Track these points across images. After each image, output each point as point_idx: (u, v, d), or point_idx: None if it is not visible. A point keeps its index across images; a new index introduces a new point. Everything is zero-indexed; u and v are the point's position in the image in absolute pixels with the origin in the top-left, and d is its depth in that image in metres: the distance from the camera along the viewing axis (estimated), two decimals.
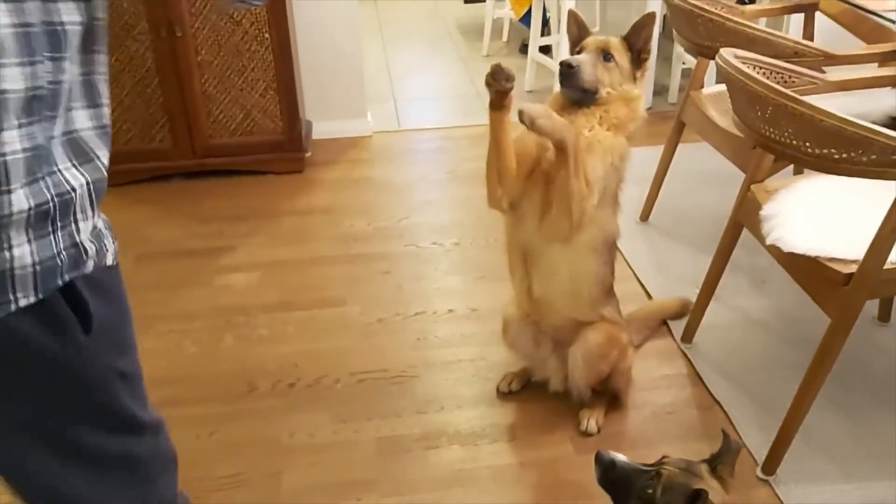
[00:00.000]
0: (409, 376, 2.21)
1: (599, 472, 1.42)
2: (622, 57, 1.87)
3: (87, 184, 0.90)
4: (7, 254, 0.83)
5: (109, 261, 0.98)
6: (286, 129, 3.28)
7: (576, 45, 1.93)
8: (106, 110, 0.93)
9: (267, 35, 3.11)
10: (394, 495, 1.84)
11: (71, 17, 0.82)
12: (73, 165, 0.88)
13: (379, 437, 2.00)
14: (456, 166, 3.48)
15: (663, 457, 1.42)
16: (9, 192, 0.80)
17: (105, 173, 0.93)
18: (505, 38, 5.05)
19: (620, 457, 1.42)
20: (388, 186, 3.32)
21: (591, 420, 2.01)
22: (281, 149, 3.31)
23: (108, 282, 0.98)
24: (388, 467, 1.92)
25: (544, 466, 1.91)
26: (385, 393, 2.16)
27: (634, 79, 1.90)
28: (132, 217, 3.04)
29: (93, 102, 0.90)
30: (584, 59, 1.83)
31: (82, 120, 0.89)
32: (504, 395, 2.13)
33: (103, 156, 0.92)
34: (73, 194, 0.88)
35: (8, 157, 0.79)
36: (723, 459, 1.40)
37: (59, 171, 0.86)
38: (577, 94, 1.84)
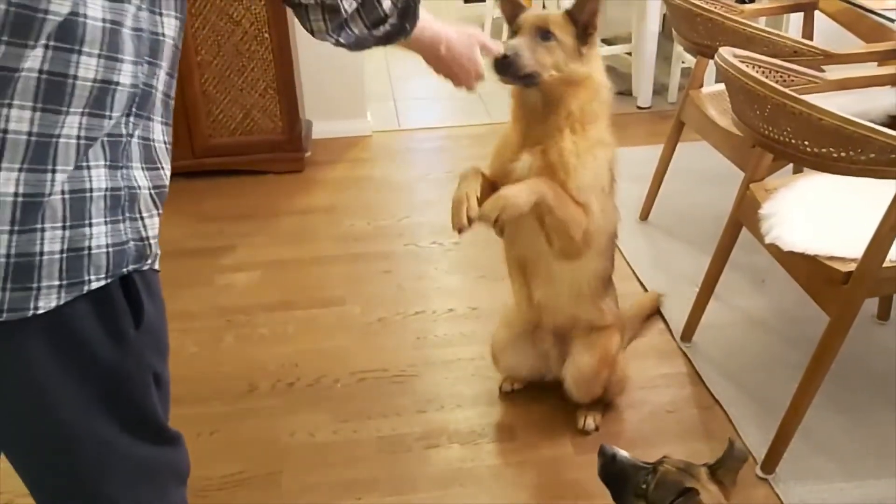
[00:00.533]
0: (410, 375, 2.22)
1: (600, 464, 1.45)
2: (564, 33, 1.71)
3: (151, 188, 0.94)
4: (87, 230, 0.86)
5: (157, 265, 1.01)
6: (286, 128, 3.28)
7: (511, 24, 1.77)
8: (170, 131, 1.00)
9: (267, 35, 3.11)
10: (394, 494, 1.85)
11: (170, 31, 0.91)
12: (143, 168, 0.93)
13: (379, 436, 2.01)
14: (456, 166, 3.47)
15: (664, 456, 1.43)
16: (90, 167, 0.85)
17: (167, 183, 0.98)
18: (505, 37, 5.04)
19: (622, 452, 1.44)
20: (389, 186, 3.32)
21: (589, 419, 2.01)
22: (281, 148, 3.31)
23: (154, 284, 1.00)
24: (388, 466, 1.93)
25: (544, 466, 1.92)
26: (385, 392, 2.16)
27: (581, 55, 1.74)
28: None
29: (166, 120, 0.97)
30: (520, 44, 1.68)
31: (158, 132, 0.95)
32: (506, 394, 2.14)
33: (167, 168, 0.98)
34: (139, 191, 0.92)
35: (105, 140, 0.86)
36: (726, 465, 1.40)
37: (133, 167, 0.91)
38: (518, 82, 1.72)
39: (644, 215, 2.92)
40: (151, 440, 1.05)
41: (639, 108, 3.95)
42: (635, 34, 3.99)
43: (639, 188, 2.97)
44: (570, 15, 1.72)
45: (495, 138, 1.92)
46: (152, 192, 0.95)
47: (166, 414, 1.09)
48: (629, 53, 4.13)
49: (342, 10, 1.07)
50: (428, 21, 1.31)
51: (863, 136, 1.50)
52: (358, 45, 1.16)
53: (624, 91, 4.14)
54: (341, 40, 1.13)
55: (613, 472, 1.43)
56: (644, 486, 1.37)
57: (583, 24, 1.73)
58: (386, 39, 1.18)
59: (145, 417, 1.03)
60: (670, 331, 2.35)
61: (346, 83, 3.60)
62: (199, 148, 3.24)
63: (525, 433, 2.01)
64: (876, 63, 2.39)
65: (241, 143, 3.28)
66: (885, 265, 1.63)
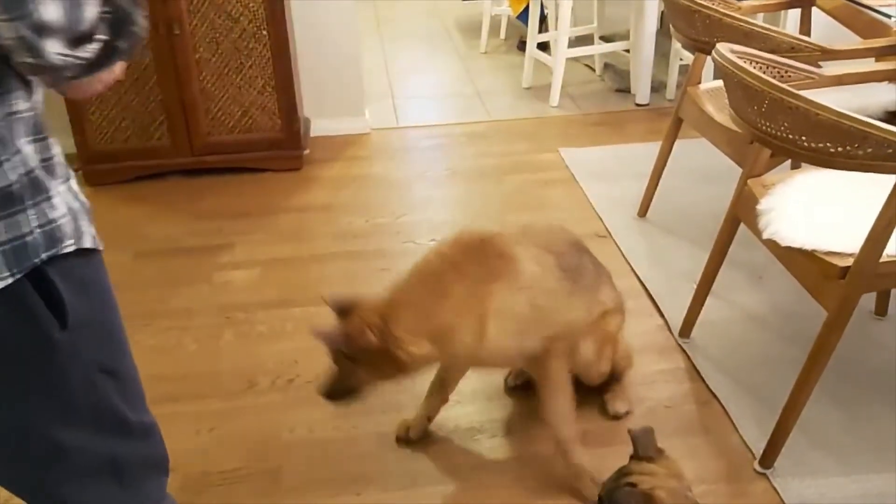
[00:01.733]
0: None
1: None
2: None
3: (41, 163, 0.89)
4: None
5: (88, 242, 0.95)
6: (284, 126, 3.28)
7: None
8: (39, 90, 0.92)
9: (265, 32, 3.11)
10: (393, 490, 1.85)
11: None
12: (32, 142, 0.88)
13: (379, 431, 2.01)
14: (454, 163, 3.49)
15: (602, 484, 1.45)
16: None
17: (56, 151, 0.93)
18: (503, 35, 5.05)
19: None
20: (387, 184, 3.32)
21: (618, 403, 2.04)
22: (279, 146, 3.31)
23: (88, 273, 0.95)
24: (388, 462, 1.93)
25: (543, 461, 1.92)
26: (384, 388, 2.15)
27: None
28: (131, 214, 3.05)
29: (28, 86, 0.88)
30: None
31: (21, 101, 0.87)
32: (510, 389, 2.14)
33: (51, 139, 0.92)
34: (33, 174, 0.87)
35: None
36: (644, 448, 1.43)
37: (19, 149, 0.86)
38: None
39: (642, 212, 2.93)
40: (112, 435, 1.01)
41: (637, 105, 3.96)
42: (633, 31, 3.99)
43: (637, 185, 2.98)
44: None
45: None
46: (44, 167, 0.89)
47: (134, 403, 1.05)
48: (627, 51, 4.13)
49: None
50: None
51: (860, 130, 1.51)
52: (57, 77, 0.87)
53: (622, 88, 4.15)
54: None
55: None
56: None
57: None
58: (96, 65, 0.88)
59: (98, 414, 0.99)
60: (668, 327, 2.35)
61: (344, 81, 3.60)
62: (197, 146, 3.24)
63: (523, 428, 2.02)
64: (873, 59, 2.39)
65: (240, 141, 3.28)
66: (882, 260, 1.63)
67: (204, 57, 3.12)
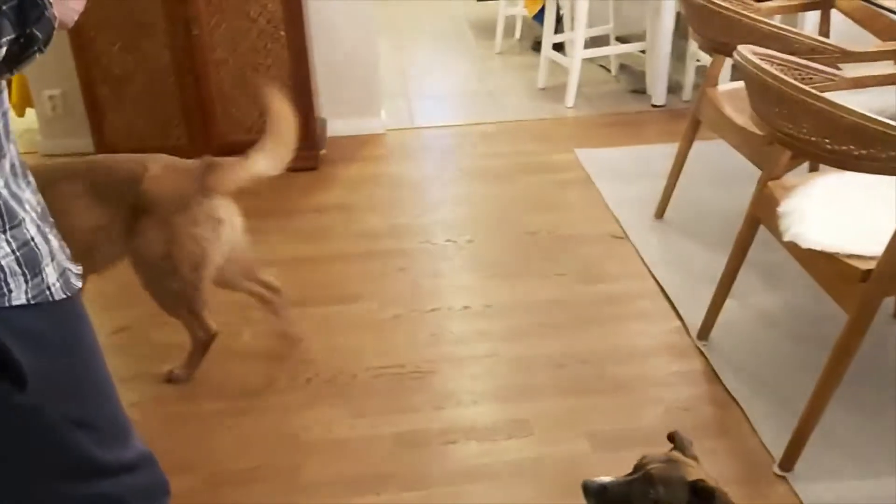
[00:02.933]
0: (426, 371, 2.23)
1: (594, 501, 1.38)
2: None
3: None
4: None
5: (56, 293, 0.86)
6: (301, 126, 3.27)
7: None
8: None
9: (282, 33, 3.13)
10: (411, 490, 1.86)
11: None
12: None
13: (396, 431, 2.02)
14: (469, 163, 3.49)
15: (642, 458, 1.41)
16: None
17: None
18: (517, 35, 5.05)
19: (605, 479, 1.39)
20: (403, 183, 3.33)
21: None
22: (296, 146, 3.31)
23: (52, 325, 0.87)
24: (405, 462, 1.93)
25: (560, 462, 1.92)
26: (402, 388, 2.17)
27: None
28: None
29: None
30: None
31: None
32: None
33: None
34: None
35: None
36: (682, 446, 1.42)
37: None
38: None
39: (659, 213, 2.92)
40: (96, 478, 0.98)
41: (653, 106, 3.95)
42: (650, 32, 3.98)
43: (653, 186, 2.97)
44: None
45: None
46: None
47: (113, 447, 1.00)
48: (643, 52, 4.12)
49: None
50: None
51: (885, 134, 1.50)
52: None
53: (638, 89, 4.14)
54: None
55: (610, 501, 1.37)
56: (652, 495, 1.33)
57: None
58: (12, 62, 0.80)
59: (74, 466, 0.95)
60: (686, 328, 2.35)
61: (360, 81, 3.61)
62: (215, 146, 3.25)
63: (541, 429, 2.02)
64: (893, 61, 2.38)
65: (257, 141, 3.27)
66: None
67: (222, 57, 3.14)
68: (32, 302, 0.84)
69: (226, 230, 2.09)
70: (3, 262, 0.80)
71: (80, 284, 0.93)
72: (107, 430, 0.99)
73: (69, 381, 0.92)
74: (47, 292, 0.86)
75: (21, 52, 0.79)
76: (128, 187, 1.99)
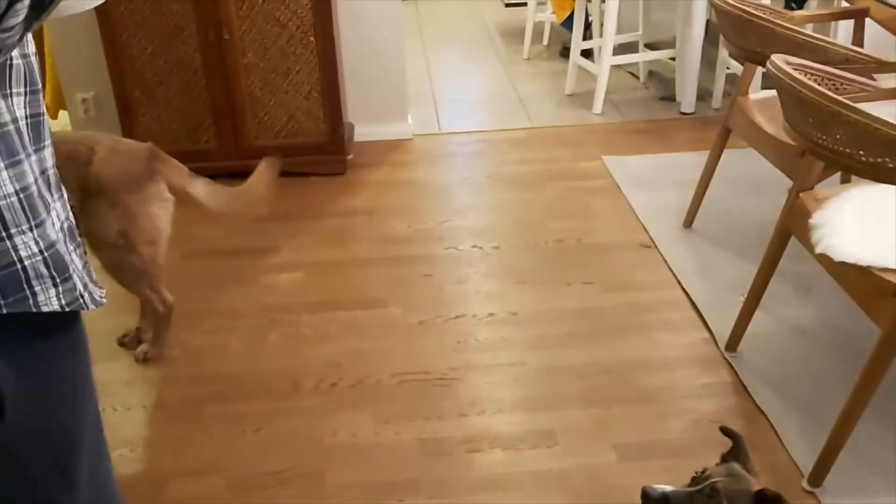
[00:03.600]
0: (451, 379, 2.23)
1: None
2: None
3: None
4: None
5: (88, 303, 0.81)
6: (329, 131, 3.31)
7: None
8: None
9: (312, 38, 3.14)
10: (436, 497, 1.85)
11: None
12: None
13: (421, 438, 2.02)
14: (495, 169, 3.49)
15: (704, 470, 1.39)
16: None
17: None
18: (545, 41, 5.04)
19: (667, 487, 1.35)
20: (429, 189, 3.33)
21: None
22: (324, 151, 3.34)
23: (42, 348, 0.80)
24: (430, 469, 1.93)
25: (586, 473, 1.91)
26: (427, 395, 2.17)
27: None
28: (178, 215, 3.06)
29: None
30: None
31: None
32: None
33: None
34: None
35: None
36: (741, 452, 1.40)
37: None
38: None
39: (688, 222, 2.90)
40: None
41: (682, 113, 3.92)
42: (680, 39, 3.96)
43: (682, 195, 2.95)
44: None
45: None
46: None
47: (101, 492, 0.94)
48: (673, 59, 4.10)
49: None
50: None
51: None
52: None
53: (667, 96, 4.11)
54: None
55: None
56: None
57: None
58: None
59: None
60: (714, 340, 2.33)
61: (388, 86, 3.62)
62: (244, 149, 3.28)
63: (567, 439, 2.01)
64: None
65: (286, 146, 3.31)
66: None
67: (252, 62, 3.16)
68: (67, 309, 0.80)
69: (171, 210, 2.19)
70: (26, 264, 0.75)
71: (104, 301, 0.88)
72: (83, 484, 0.89)
73: (52, 417, 0.83)
74: (80, 300, 0.82)
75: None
76: (74, 169, 2.04)
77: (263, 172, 2.32)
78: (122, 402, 2.16)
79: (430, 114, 4.06)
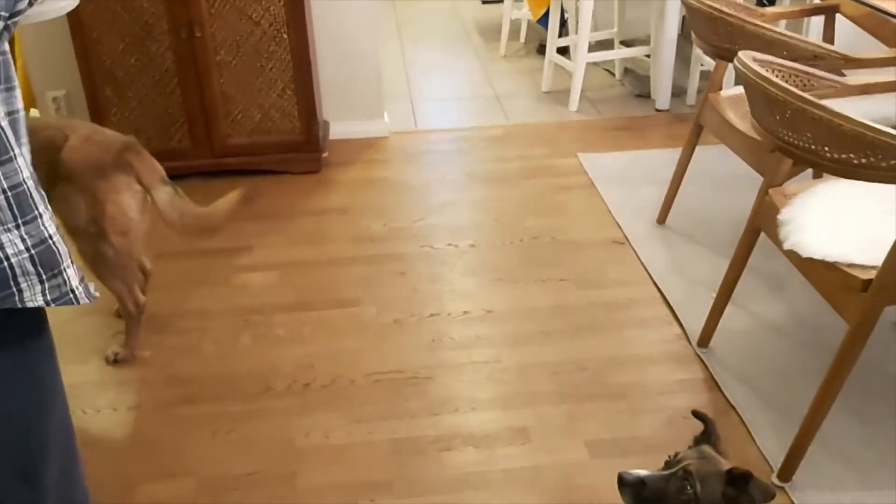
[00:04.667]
0: (424, 377, 2.22)
1: (630, 494, 1.35)
2: None
3: None
4: None
5: (80, 297, 0.82)
6: (304, 129, 3.29)
7: None
8: None
9: (285, 35, 3.12)
10: (408, 497, 1.85)
11: None
12: None
13: (394, 438, 2.01)
14: (472, 167, 3.49)
15: (676, 454, 1.41)
16: None
17: None
18: (522, 38, 5.04)
19: (642, 472, 1.36)
20: (405, 187, 3.32)
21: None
22: (298, 149, 3.32)
23: (9, 352, 0.80)
24: (402, 468, 1.93)
25: (558, 470, 1.91)
26: (400, 394, 2.16)
27: None
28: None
29: None
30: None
31: None
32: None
33: None
34: None
35: None
36: (713, 434, 1.43)
37: None
38: None
39: (661, 219, 2.91)
40: None
41: (657, 110, 3.94)
42: (654, 37, 3.97)
43: (656, 191, 2.96)
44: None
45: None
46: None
47: None
48: (648, 56, 4.11)
49: None
50: None
51: (884, 142, 1.49)
52: None
53: (642, 94, 4.13)
54: None
55: (647, 497, 1.34)
56: (690, 491, 1.32)
57: None
58: None
59: None
60: (687, 336, 2.34)
61: (363, 84, 3.61)
62: (217, 148, 3.26)
63: (539, 437, 2.01)
64: None
65: (259, 144, 3.29)
66: None
67: (224, 60, 3.14)
68: (53, 304, 0.80)
69: (143, 202, 2.18)
70: (13, 261, 0.76)
71: (97, 295, 0.89)
72: (51, 491, 0.88)
73: (18, 424, 0.82)
74: (70, 295, 0.82)
75: None
76: (46, 154, 2.03)
77: (232, 201, 2.29)
78: (91, 405, 2.14)
79: (406, 111, 4.05)
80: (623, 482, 1.35)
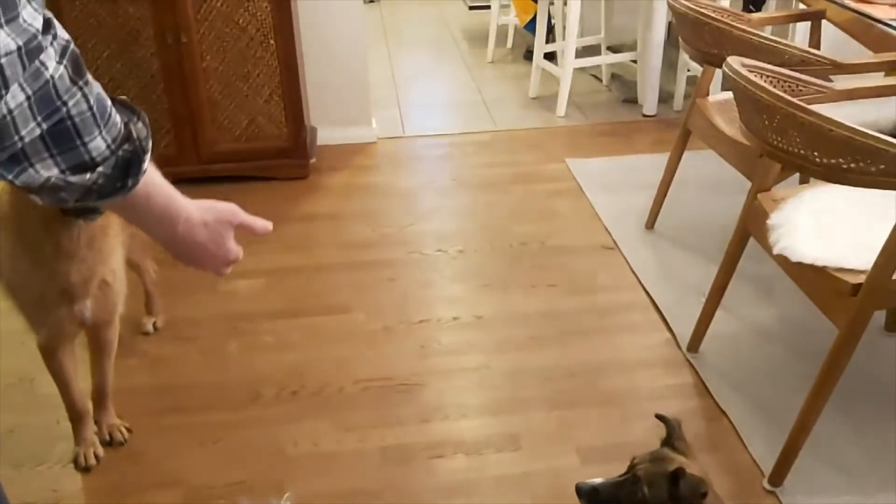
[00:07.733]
0: (414, 384, 2.21)
1: (586, 502, 1.41)
2: None
3: None
4: None
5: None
6: (291, 135, 3.28)
7: None
8: None
9: (272, 41, 3.11)
10: None
11: None
12: None
13: (383, 445, 2.00)
14: (460, 173, 3.48)
15: (633, 459, 1.44)
16: None
17: None
18: (509, 44, 5.05)
19: (597, 480, 1.43)
20: (393, 193, 3.31)
21: None
22: (286, 155, 3.31)
23: None
24: (392, 476, 1.91)
25: (549, 477, 1.90)
26: (389, 401, 2.15)
27: None
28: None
29: None
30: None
31: None
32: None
33: None
34: None
35: None
36: (675, 436, 1.45)
37: None
38: None
39: (650, 224, 2.91)
40: None
41: (644, 115, 3.95)
42: (641, 42, 3.99)
43: (644, 196, 2.96)
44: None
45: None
46: None
47: None
48: (635, 61, 4.12)
49: (13, 133, 0.71)
50: (159, 186, 0.91)
51: (873, 147, 1.49)
52: (50, 196, 0.80)
53: (629, 99, 4.14)
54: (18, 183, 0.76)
55: (604, 502, 1.41)
56: (640, 496, 1.36)
57: None
58: (92, 193, 0.82)
59: None
60: (677, 341, 2.33)
61: (351, 89, 3.60)
62: (204, 154, 3.24)
63: (530, 443, 2.00)
64: (883, 73, 2.38)
65: (246, 150, 3.27)
66: (894, 277, 1.62)
67: (211, 66, 3.12)
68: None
69: None
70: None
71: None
72: None
73: None
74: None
75: (102, 189, 0.82)
76: None
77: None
78: None
79: (394, 117, 4.04)
80: (579, 492, 1.41)
